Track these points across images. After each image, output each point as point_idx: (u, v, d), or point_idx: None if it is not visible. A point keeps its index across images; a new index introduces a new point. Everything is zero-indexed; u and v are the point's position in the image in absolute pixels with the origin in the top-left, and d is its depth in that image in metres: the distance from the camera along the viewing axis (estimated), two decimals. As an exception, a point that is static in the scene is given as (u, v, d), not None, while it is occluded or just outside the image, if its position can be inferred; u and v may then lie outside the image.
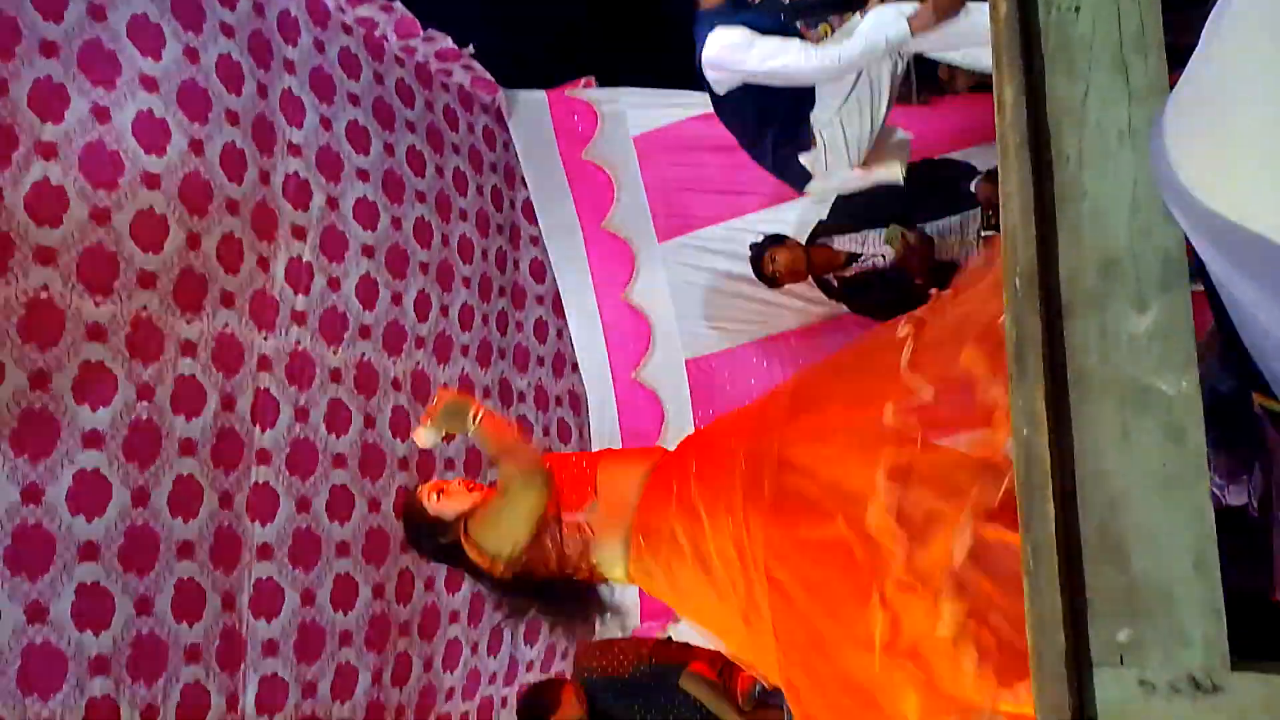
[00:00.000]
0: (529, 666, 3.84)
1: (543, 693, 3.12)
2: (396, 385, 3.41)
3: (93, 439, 2.44)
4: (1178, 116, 0.84)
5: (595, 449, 4.20)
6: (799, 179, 2.95)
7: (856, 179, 2.93)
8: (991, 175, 3.08)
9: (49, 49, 2.41)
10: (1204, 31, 0.76)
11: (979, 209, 3.08)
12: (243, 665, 2.76)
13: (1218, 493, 2.04)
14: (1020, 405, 0.92)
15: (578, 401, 4.32)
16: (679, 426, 3.98)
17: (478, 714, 3.60)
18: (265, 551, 2.86)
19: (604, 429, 4.17)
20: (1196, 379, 0.86)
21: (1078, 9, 1.10)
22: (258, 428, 2.89)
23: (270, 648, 2.83)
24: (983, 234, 3.02)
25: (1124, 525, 0.92)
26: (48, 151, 2.38)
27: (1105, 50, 1.07)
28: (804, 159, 2.86)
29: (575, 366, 4.23)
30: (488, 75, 3.95)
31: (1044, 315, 0.93)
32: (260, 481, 2.88)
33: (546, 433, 4.17)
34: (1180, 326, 0.89)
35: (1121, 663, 0.92)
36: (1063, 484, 0.93)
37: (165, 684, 2.54)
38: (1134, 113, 1.03)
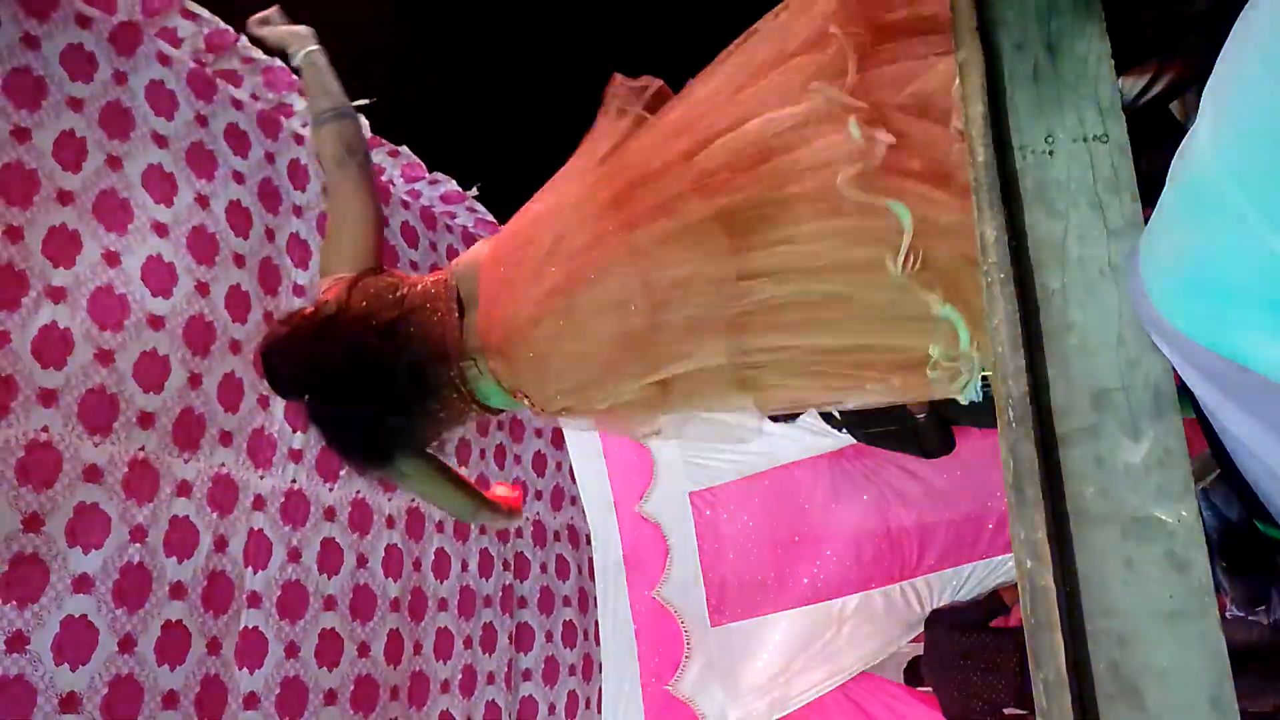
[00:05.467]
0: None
1: None
2: (390, 523, 3.37)
3: (82, 583, 2.39)
4: (1152, 252, 0.87)
5: (598, 585, 4.09)
6: None
7: None
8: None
9: (65, 198, 2.50)
10: (1170, 170, 0.80)
11: None
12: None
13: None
14: (1022, 537, 0.91)
15: (577, 536, 4.25)
16: (684, 559, 3.90)
17: None
18: (251, 700, 2.76)
19: (608, 563, 4.07)
20: (1196, 508, 0.86)
21: (1051, 153, 1.15)
22: (249, 569, 2.84)
23: (254, 805, 2.69)
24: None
25: (1135, 662, 0.89)
26: (57, 295, 2.44)
27: (1081, 191, 1.12)
28: None
29: (575, 500, 4.17)
30: (490, 217, 4.08)
31: (1039, 445, 0.93)
32: (250, 626, 2.81)
33: (545, 570, 4.08)
34: (1175, 455, 0.89)
35: (1147, 811, 0.88)
36: (1070, 617, 0.91)
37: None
38: (1113, 248, 1.07)
